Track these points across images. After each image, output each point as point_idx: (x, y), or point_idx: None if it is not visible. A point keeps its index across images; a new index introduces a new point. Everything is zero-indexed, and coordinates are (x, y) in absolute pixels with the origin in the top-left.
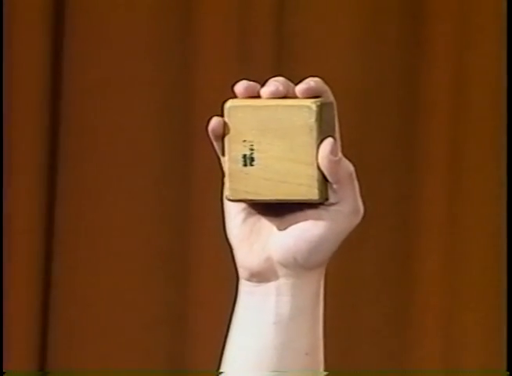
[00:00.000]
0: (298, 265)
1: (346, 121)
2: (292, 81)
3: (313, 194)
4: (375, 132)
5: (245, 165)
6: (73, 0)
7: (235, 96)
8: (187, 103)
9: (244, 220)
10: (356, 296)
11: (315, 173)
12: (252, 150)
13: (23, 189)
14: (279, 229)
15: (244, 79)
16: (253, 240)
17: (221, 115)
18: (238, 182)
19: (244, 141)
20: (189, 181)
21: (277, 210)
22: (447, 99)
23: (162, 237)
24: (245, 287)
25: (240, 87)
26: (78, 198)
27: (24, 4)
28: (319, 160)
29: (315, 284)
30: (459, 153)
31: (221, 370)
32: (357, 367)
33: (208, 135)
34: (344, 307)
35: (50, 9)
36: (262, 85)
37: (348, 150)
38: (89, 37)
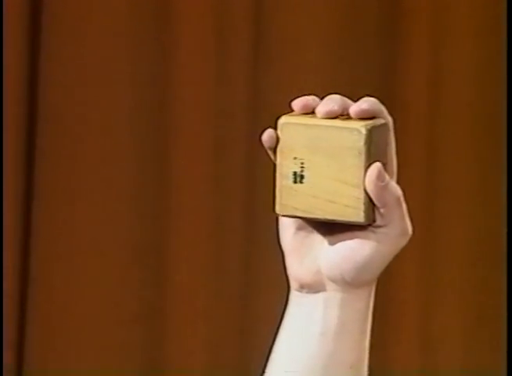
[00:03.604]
0: (346, 283)
1: None
2: (268, 79)
3: (359, 217)
4: None
5: (295, 182)
6: None
7: (211, 95)
8: (164, 100)
9: (296, 232)
10: None
11: (362, 196)
12: (302, 167)
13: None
14: (329, 245)
15: (304, 95)
16: (304, 253)
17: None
18: (287, 198)
19: (295, 158)
20: (167, 176)
21: (328, 225)
22: (423, 97)
23: (140, 233)
24: (294, 297)
25: (298, 103)
26: (55, 194)
27: (1, 2)
28: (366, 185)
29: (364, 300)
30: (436, 152)
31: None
32: None
33: (189, 133)
34: None
35: (27, 5)
36: (322, 98)
37: None
38: (66, 32)
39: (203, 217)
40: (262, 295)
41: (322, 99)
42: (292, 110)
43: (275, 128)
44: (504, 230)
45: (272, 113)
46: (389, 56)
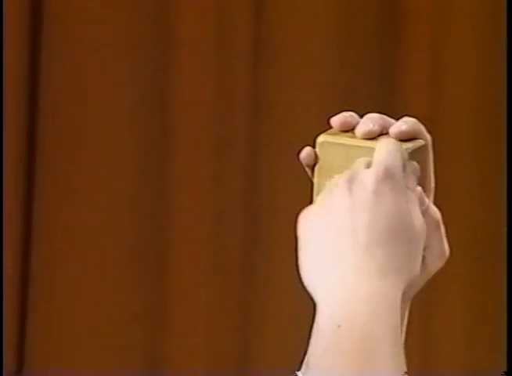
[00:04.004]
0: None
1: (323, 117)
2: (270, 80)
3: None
4: None
5: None
6: None
7: (212, 94)
8: (165, 99)
9: None
10: None
11: None
12: None
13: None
14: None
15: (345, 111)
16: None
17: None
18: None
19: (333, 178)
20: (167, 176)
21: None
22: (424, 97)
23: (140, 233)
24: None
25: (337, 121)
26: (55, 194)
27: (2, 1)
28: None
29: (400, 318)
30: (436, 151)
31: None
32: None
33: (189, 132)
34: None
35: (27, 5)
36: (361, 116)
37: None
38: (66, 32)
39: (204, 217)
40: (262, 295)
41: (361, 116)
42: (330, 127)
43: (274, 125)
44: (504, 230)
45: (273, 112)
46: (389, 55)
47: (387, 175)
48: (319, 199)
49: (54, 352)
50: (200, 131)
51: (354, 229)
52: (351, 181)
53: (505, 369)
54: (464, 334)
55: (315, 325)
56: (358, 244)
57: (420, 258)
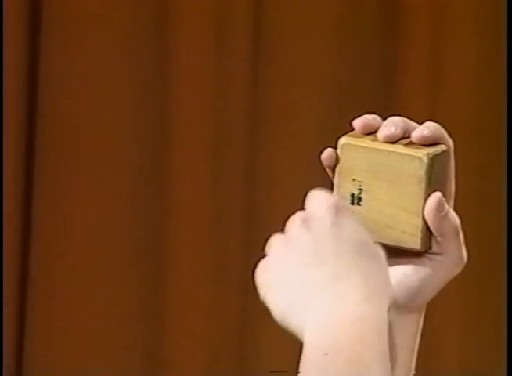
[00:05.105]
0: (398, 306)
1: (322, 116)
2: (269, 77)
3: (415, 244)
4: (351, 128)
5: (352, 203)
6: None
7: (211, 93)
8: (164, 99)
9: None
10: None
11: (420, 223)
12: (360, 189)
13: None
14: None
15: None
16: None
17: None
18: None
19: (354, 180)
20: (166, 176)
21: (383, 248)
22: (424, 97)
23: (139, 233)
24: None
25: (359, 123)
26: (55, 194)
27: (1, 2)
28: (425, 214)
29: (414, 325)
30: None
31: None
32: None
33: (188, 132)
34: None
35: (27, 5)
36: (384, 118)
37: (324, 144)
38: (66, 32)
39: (203, 216)
40: None
41: (384, 119)
42: (352, 129)
43: (273, 125)
44: (504, 230)
45: (272, 111)
46: (389, 55)
47: (339, 207)
48: (272, 249)
49: (53, 352)
50: (199, 130)
51: (321, 262)
52: (306, 221)
53: (505, 369)
54: (464, 334)
55: (302, 358)
56: (331, 274)
57: (389, 279)
